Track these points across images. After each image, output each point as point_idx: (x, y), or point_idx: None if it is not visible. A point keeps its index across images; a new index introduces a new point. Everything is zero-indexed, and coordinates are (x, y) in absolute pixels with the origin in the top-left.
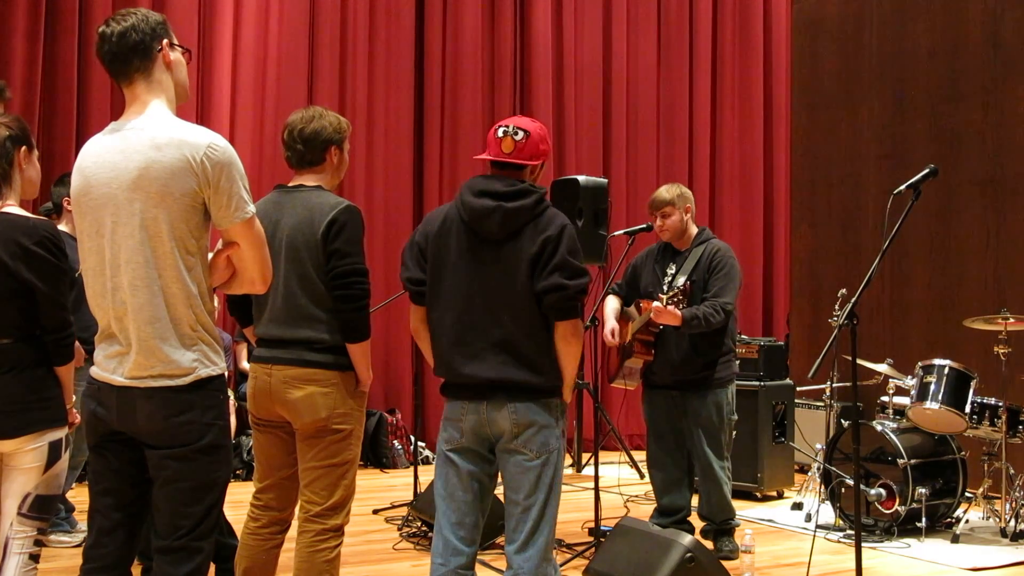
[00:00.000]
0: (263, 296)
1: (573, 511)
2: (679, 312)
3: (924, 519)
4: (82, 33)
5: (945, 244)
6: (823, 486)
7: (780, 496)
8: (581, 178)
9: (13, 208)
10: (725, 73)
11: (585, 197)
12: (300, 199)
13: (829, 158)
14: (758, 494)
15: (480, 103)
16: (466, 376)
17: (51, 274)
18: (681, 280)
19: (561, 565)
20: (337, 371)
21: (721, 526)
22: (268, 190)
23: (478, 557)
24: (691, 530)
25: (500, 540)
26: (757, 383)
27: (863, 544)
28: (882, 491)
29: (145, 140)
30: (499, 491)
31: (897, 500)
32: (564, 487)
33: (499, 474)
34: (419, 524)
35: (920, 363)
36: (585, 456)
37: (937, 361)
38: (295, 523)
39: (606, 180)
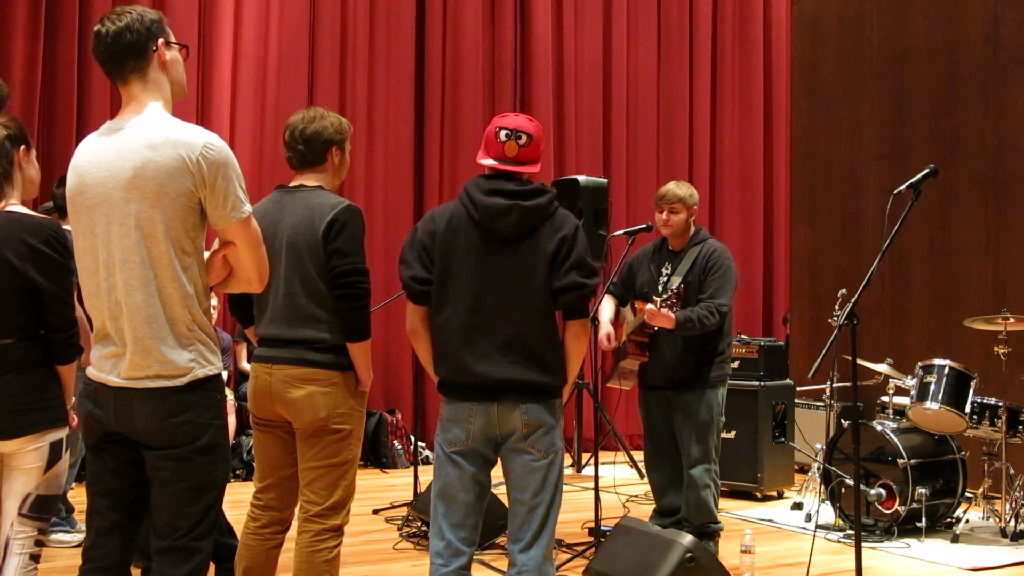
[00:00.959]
0: (264, 296)
1: (573, 511)
2: (672, 315)
3: (924, 519)
4: (82, 33)
5: (945, 244)
6: (823, 486)
7: (780, 496)
8: (581, 178)
9: (17, 207)
10: (725, 73)
11: (585, 197)
12: (301, 199)
13: (829, 158)
14: (758, 494)
15: (480, 103)
16: (477, 375)
17: (58, 273)
18: (676, 281)
19: (561, 565)
20: (337, 371)
21: (700, 529)
22: (268, 190)
23: (478, 557)
24: None
25: (500, 540)
26: (757, 383)
27: (863, 544)
28: (882, 491)
29: (141, 139)
30: (499, 491)
31: (897, 500)
32: (564, 487)
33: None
34: (419, 524)
35: (920, 363)
36: (585, 456)
37: (937, 361)
38: (295, 523)
39: (606, 180)
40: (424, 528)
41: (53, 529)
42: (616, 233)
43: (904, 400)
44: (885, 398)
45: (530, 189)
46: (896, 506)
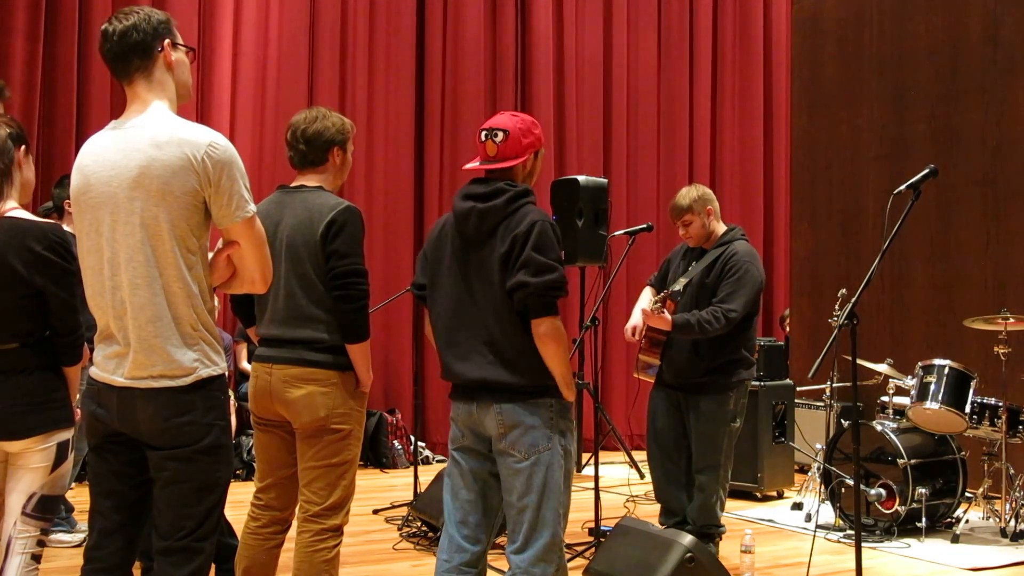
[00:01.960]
0: (265, 296)
1: (573, 511)
2: (668, 317)
3: (924, 519)
4: (82, 33)
5: (945, 244)
6: (823, 486)
7: (780, 496)
8: (581, 178)
9: (18, 211)
10: (725, 73)
11: (585, 197)
12: (301, 199)
13: (829, 158)
14: (758, 494)
15: (481, 103)
16: (456, 375)
17: (63, 277)
18: (681, 283)
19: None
20: (337, 371)
21: (701, 530)
22: (268, 190)
23: None
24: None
25: (500, 540)
26: (757, 383)
27: (863, 544)
28: (882, 491)
29: (145, 138)
30: None
31: (897, 500)
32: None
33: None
34: (419, 524)
35: (920, 363)
36: (585, 456)
37: (937, 361)
38: (295, 523)
39: (606, 180)
40: (424, 528)
41: (53, 529)
42: (616, 233)
43: (904, 400)
44: (885, 398)
45: (489, 191)
46: (896, 506)
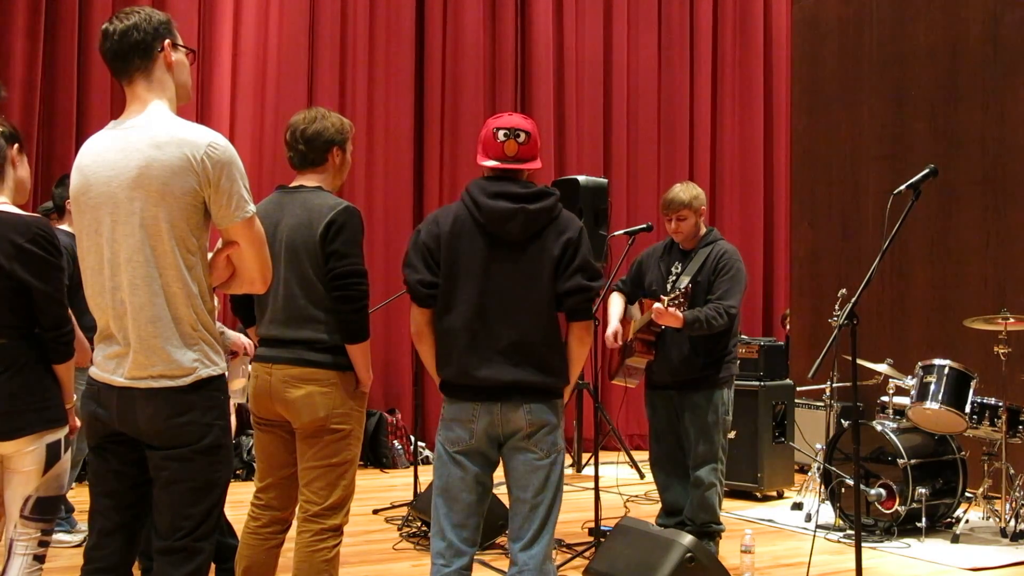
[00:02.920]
0: (264, 296)
1: (573, 511)
2: (680, 314)
3: (924, 519)
4: (82, 32)
5: (945, 244)
6: (823, 486)
7: (780, 496)
8: (581, 178)
9: (6, 206)
10: (725, 73)
11: (585, 197)
12: (300, 200)
13: (829, 158)
14: (758, 494)
15: (480, 103)
16: (482, 379)
17: (47, 271)
18: (685, 281)
19: (561, 565)
20: (336, 371)
21: (701, 528)
22: (268, 190)
23: (478, 557)
24: None
25: (500, 540)
26: (757, 383)
27: (863, 544)
28: (882, 491)
29: (145, 138)
30: (499, 491)
31: (897, 500)
32: (564, 487)
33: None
34: (419, 524)
35: (920, 363)
36: (585, 456)
37: (937, 361)
38: (295, 523)
39: (606, 180)
40: (424, 528)
41: (54, 528)
42: (616, 233)
43: (904, 400)
44: (885, 398)
45: (535, 192)
46: (896, 506)
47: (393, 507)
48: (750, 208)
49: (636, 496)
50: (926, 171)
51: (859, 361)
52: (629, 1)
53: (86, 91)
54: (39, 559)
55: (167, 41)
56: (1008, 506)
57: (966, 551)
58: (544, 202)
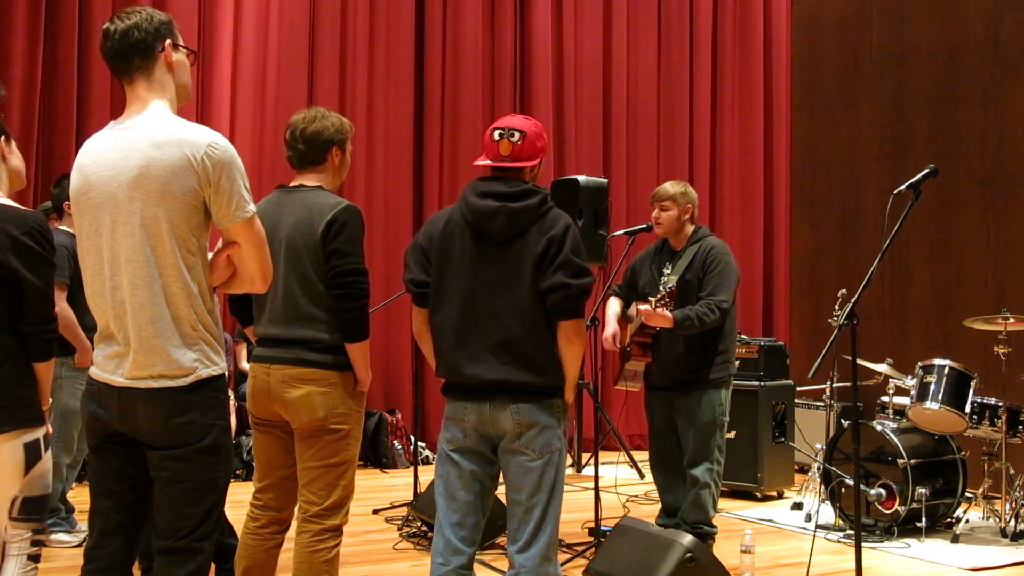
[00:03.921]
0: (263, 296)
1: (573, 511)
2: (669, 314)
3: (924, 519)
4: (82, 33)
5: (945, 244)
6: (823, 486)
7: (780, 496)
8: (581, 178)
9: (1, 198)
10: (725, 73)
11: (585, 197)
12: (300, 199)
13: (829, 158)
14: (758, 494)
15: (480, 103)
16: (469, 377)
17: (39, 265)
18: (673, 280)
19: (561, 565)
20: (335, 371)
21: (692, 528)
22: (268, 190)
23: (479, 557)
24: None
25: (500, 540)
26: (757, 383)
27: (863, 544)
28: (882, 491)
29: (145, 138)
30: (499, 491)
31: (897, 500)
32: (564, 487)
33: (500, 475)
34: (419, 524)
35: (920, 363)
36: (585, 456)
37: (937, 361)
38: (295, 523)
39: (606, 180)
40: (424, 528)
41: (53, 529)
42: (616, 233)
43: (904, 400)
44: (885, 398)
45: (519, 191)
46: (896, 506)
47: (393, 507)
48: (750, 208)
49: (636, 496)
50: (926, 171)
51: (859, 361)
52: (629, 2)
53: (86, 91)
54: (34, 558)
55: (168, 41)
56: (1008, 506)
57: (966, 551)
58: (527, 201)
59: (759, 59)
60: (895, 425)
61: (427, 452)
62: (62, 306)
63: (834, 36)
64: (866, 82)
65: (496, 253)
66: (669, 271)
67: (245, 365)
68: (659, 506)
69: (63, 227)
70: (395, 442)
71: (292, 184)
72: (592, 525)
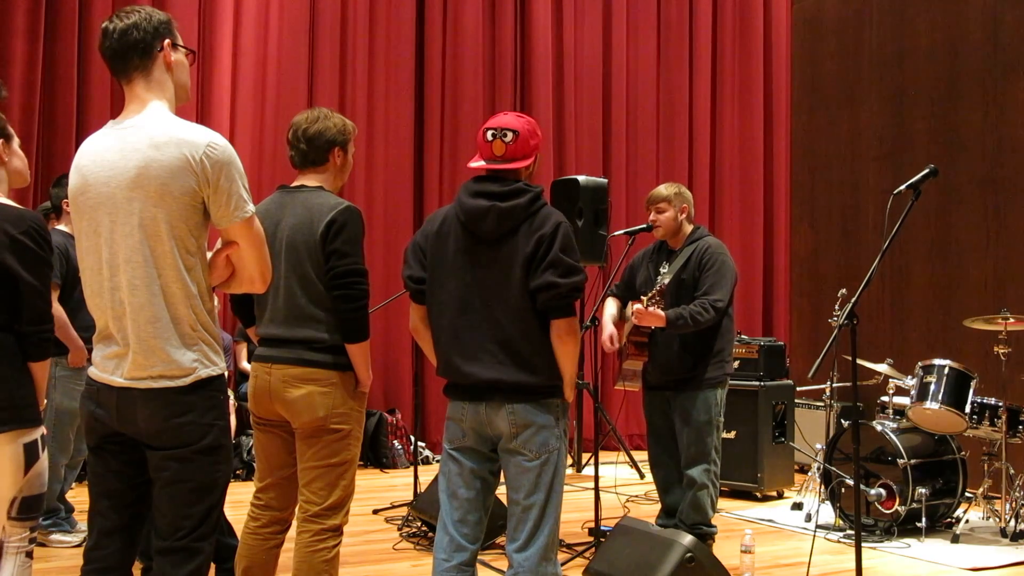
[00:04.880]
0: (264, 296)
1: (573, 511)
2: (661, 313)
3: (924, 519)
4: (82, 33)
5: (945, 244)
6: (823, 486)
7: (780, 496)
8: (581, 178)
9: (0, 199)
10: (725, 73)
11: (585, 197)
12: (301, 199)
13: (829, 158)
14: (758, 494)
15: (480, 103)
16: (465, 376)
17: (37, 264)
18: (667, 279)
19: (561, 565)
20: (336, 371)
21: (691, 529)
22: (268, 190)
23: (479, 557)
24: None
25: (500, 540)
26: (757, 383)
27: (863, 544)
28: (882, 491)
29: (144, 139)
30: (499, 491)
31: (897, 500)
32: (564, 487)
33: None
34: (419, 524)
35: (920, 363)
36: (585, 456)
37: (937, 361)
38: (295, 523)
39: (606, 180)
40: (424, 528)
41: (53, 529)
42: (616, 233)
43: (904, 400)
44: (885, 398)
45: (509, 190)
46: (896, 506)
47: (393, 507)
48: (750, 208)
49: (636, 496)
50: (926, 171)
51: (859, 361)
52: (629, 2)
53: (86, 91)
54: (29, 555)
55: (167, 41)
56: (1008, 506)
57: (966, 551)
58: (517, 200)
59: (759, 59)
60: (895, 425)
61: (427, 452)
62: (54, 306)
63: (834, 36)
64: (866, 82)
65: (488, 253)
66: (665, 270)
67: (245, 365)
68: (659, 506)
69: (61, 227)
70: (395, 442)
71: (294, 184)
72: (592, 525)
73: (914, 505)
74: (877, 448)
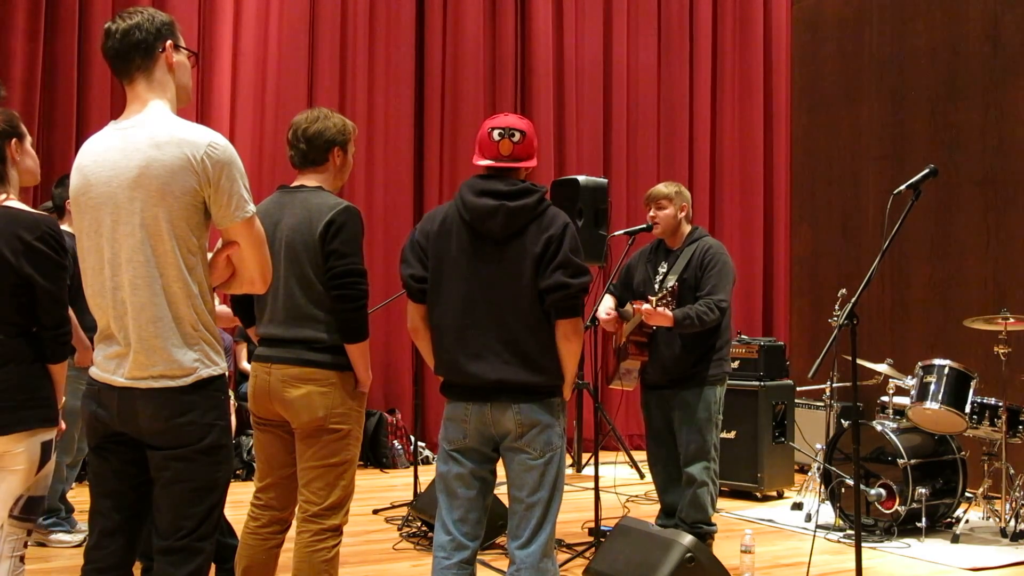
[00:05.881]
0: (264, 296)
1: (573, 511)
2: (670, 313)
3: (924, 519)
4: (82, 32)
5: (945, 244)
6: (823, 486)
7: (780, 496)
8: (581, 178)
9: (14, 202)
10: (725, 73)
11: (585, 197)
12: (300, 199)
13: (829, 158)
14: (758, 494)
15: (481, 103)
16: (470, 375)
17: (51, 269)
18: (671, 280)
19: (561, 565)
20: (336, 371)
21: (692, 528)
22: (268, 190)
23: (479, 557)
24: None
25: (500, 540)
26: (757, 383)
27: (863, 544)
28: (882, 491)
29: (145, 138)
30: (499, 491)
31: (897, 500)
32: (564, 487)
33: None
34: (419, 524)
35: (920, 363)
36: (585, 456)
37: (937, 361)
38: (295, 523)
39: (606, 180)
40: (424, 528)
41: (53, 529)
42: (616, 233)
43: (904, 400)
44: (885, 398)
45: (517, 189)
46: (896, 506)
47: (393, 507)
48: (750, 208)
49: (636, 496)
50: (926, 171)
51: (859, 361)
52: (629, 1)
53: (86, 91)
54: (22, 559)
55: (169, 42)
56: (1008, 506)
57: (966, 551)
58: (526, 199)
59: (759, 59)
60: (895, 425)
61: (427, 452)
62: None
63: (834, 36)
64: (866, 82)
65: (494, 252)
66: (664, 270)
67: (245, 365)
68: (659, 506)
69: (64, 227)
70: (395, 442)
71: (293, 184)
72: (592, 525)
73: (914, 505)
74: (877, 448)
